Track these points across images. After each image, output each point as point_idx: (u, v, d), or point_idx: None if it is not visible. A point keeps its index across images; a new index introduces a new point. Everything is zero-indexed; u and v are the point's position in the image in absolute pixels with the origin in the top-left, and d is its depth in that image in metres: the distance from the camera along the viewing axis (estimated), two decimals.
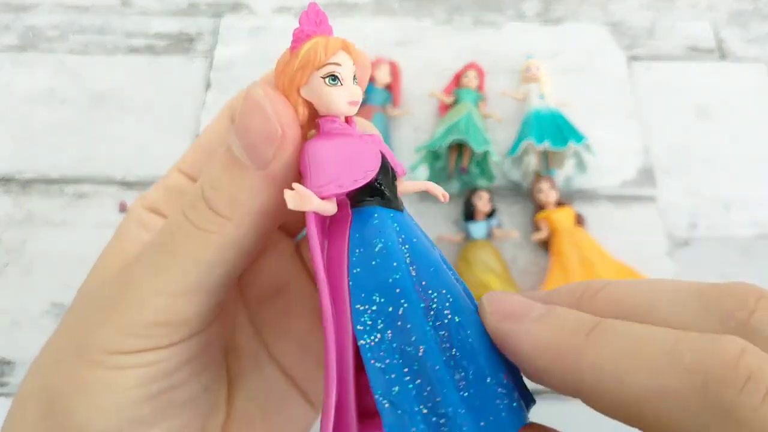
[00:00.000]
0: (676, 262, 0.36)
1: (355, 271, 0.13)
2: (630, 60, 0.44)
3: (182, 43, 0.45)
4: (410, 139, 0.40)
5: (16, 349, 0.33)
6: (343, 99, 0.14)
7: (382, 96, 0.39)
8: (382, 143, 0.15)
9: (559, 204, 0.35)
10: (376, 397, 0.12)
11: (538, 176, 0.37)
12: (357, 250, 0.13)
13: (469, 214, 0.36)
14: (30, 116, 0.41)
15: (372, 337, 0.13)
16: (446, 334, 0.13)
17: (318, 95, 0.14)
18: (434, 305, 0.13)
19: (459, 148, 0.38)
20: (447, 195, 0.16)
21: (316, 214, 0.14)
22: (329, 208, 0.14)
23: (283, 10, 0.47)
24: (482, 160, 0.37)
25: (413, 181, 0.16)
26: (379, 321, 0.13)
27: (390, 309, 0.13)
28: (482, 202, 0.35)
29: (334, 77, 0.14)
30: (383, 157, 0.14)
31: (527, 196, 0.38)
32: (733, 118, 0.42)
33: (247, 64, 0.44)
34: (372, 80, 0.39)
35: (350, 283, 0.13)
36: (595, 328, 0.12)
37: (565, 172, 0.38)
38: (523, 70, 0.41)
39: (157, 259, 0.15)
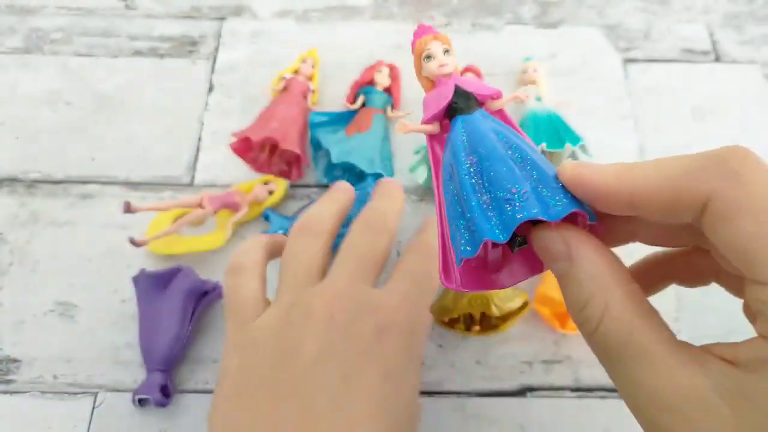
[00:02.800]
0: None
1: (442, 166, 0.21)
2: (626, 62, 0.45)
3: (185, 46, 0.45)
4: (409, 141, 0.41)
5: (22, 347, 0.34)
6: (434, 65, 0.22)
7: (382, 98, 0.40)
8: (462, 80, 0.22)
9: None
10: (449, 223, 0.20)
11: None
12: (444, 152, 0.22)
13: None
14: (35, 118, 0.42)
15: (449, 200, 0.20)
16: (478, 180, 0.20)
17: (426, 69, 0.22)
18: (474, 169, 0.20)
19: None
20: (524, 95, 0.26)
21: (432, 136, 0.22)
22: (429, 128, 0.22)
23: (285, 13, 0.47)
24: None
25: (502, 100, 0.22)
26: (452, 189, 0.20)
27: (452, 185, 0.20)
28: None
29: (428, 56, 0.22)
30: (456, 87, 0.21)
31: None
32: (729, 119, 0.43)
33: (249, 66, 0.44)
34: (372, 83, 0.40)
35: (441, 174, 0.21)
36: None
37: None
38: (521, 73, 0.41)
39: None
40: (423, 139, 0.42)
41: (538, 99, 0.39)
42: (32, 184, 0.39)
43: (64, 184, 0.39)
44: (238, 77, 0.44)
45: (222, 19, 0.47)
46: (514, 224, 0.18)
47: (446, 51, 0.22)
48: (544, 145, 0.36)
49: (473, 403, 0.32)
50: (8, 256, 0.36)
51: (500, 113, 0.22)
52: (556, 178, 0.19)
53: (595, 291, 0.16)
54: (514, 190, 0.18)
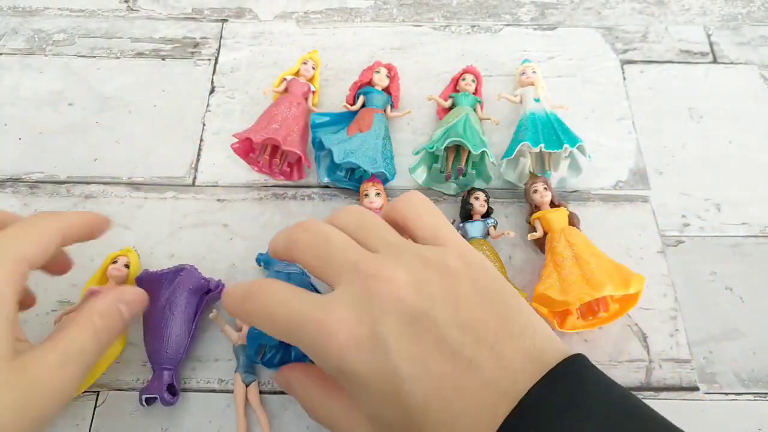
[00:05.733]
0: (669, 261, 0.37)
1: None
2: (624, 63, 0.45)
3: (187, 48, 0.46)
4: (409, 141, 0.41)
5: None
6: (366, 202, 0.37)
7: (381, 98, 0.40)
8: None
9: (554, 204, 0.36)
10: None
11: (533, 177, 0.37)
12: None
13: (466, 215, 0.36)
14: (38, 118, 0.42)
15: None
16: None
17: (362, 202, 0.37)
18: None
19: (456, 150, 0.39)
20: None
21: None
22: None
23: (286, 15, 0.48)
24: (479, 162, 0.38)
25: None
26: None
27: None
28: (479, 203, 0.36)
29: (366, 195, 0.38)
30: None
31: (523, 197, 0.39)
32: (726, 120, 0.43)
33: (250, 68, 0.45)
34: (371, 84, 0.40)
35: None
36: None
37: (559, 173, 0.39)
38: (519, 74, 0.42)
39: None
40: (422, 141, 0.43)
41: (537, 100, 0.40)
42: (35, 185, 0.39)
43: (67, 185, 0.39)
44: (240, 78, 0.44)
45: (223, 20, 0.47)
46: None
47: (377, 193, 0.36)
48: (542, 146, 0.37)
49: None
50: None
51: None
52: None
53: None
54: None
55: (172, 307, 0.32)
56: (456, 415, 0.19)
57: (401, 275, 0.22)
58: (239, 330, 0.33)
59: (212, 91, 0.43)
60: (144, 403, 0.31)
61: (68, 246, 0.27)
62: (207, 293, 0.34)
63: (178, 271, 0.33)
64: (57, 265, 0.29)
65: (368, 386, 0.21)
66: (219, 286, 0.34)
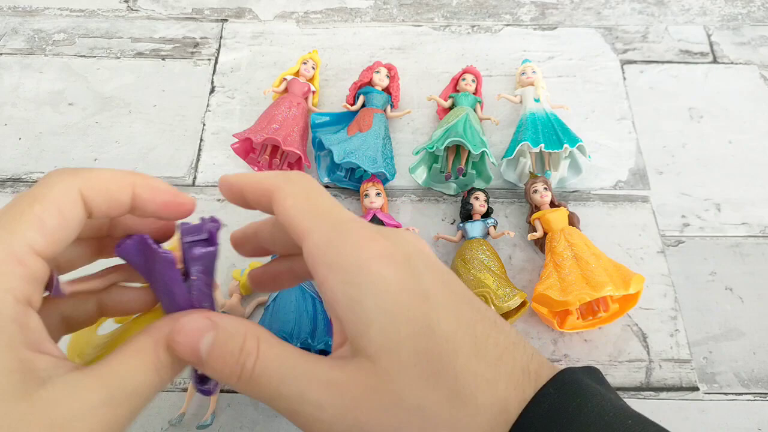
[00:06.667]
0: (669, 261, 0.37)
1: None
2: (624, 63, 0.45)
3: (187, 48, 0.46)
4: (409, 141, 0.41)
5: None
6: (367, 202, 0.37)
7: (381, 98, 0.40)
8: (379, 213, 0.36)
9: (554, 204, 0.36)
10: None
11: (533, 177, 0.37)
12: None
13: (467, 215, 0.36)
14: (38, 118, 0.42)
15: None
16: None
17: (363, 202, 0.37)
18: None
19: (456, 150, 0.39)
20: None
21: None
22: None
23: (286, 15, 0.48)
24: (479, 162, 0.38)
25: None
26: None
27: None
28: (479, 203, 0.36)
29: (366, 195, 0.37)
30: (374, 215, 0.36)
31: (523, 197, 0.39)
32: (725, 120, 0.43)
33: (250, 68, 0.45)
34: (371, 83, 0.40)
35: None
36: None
37: (559, 173, 0.39)
38: (519, 74, 0.42)
39: None
40: (422, 141, 0.43)
41: (537, 100, 0.40)
42: (35, 185, 0.39)
43: None
44: (240, 78, 0.44)
45: (223, 21, 0.47)
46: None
47: (377, 193, 0.36)
48: (542, 146, 0.37)
49: None
50: None
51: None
52: None
53: (245, 332, 0.19)
54: None
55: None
56: (488, 362, 0.18)
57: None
58: (230, 296, 0.35)
59: (212, 91, 0.43)
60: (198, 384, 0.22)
61: (99, 216, 0.19)
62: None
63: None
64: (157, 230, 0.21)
65: (392, 295, 0.18)
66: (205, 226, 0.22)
